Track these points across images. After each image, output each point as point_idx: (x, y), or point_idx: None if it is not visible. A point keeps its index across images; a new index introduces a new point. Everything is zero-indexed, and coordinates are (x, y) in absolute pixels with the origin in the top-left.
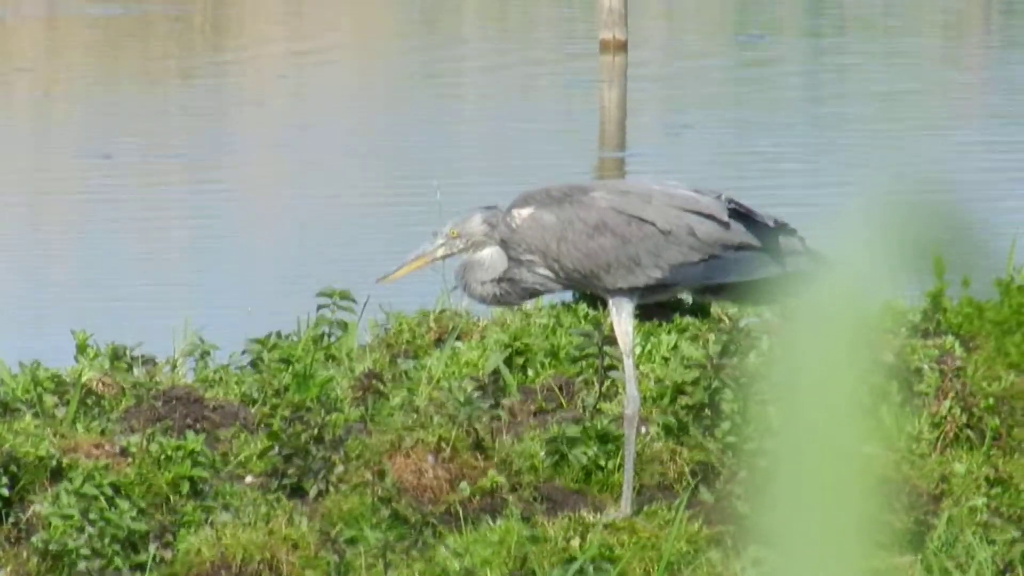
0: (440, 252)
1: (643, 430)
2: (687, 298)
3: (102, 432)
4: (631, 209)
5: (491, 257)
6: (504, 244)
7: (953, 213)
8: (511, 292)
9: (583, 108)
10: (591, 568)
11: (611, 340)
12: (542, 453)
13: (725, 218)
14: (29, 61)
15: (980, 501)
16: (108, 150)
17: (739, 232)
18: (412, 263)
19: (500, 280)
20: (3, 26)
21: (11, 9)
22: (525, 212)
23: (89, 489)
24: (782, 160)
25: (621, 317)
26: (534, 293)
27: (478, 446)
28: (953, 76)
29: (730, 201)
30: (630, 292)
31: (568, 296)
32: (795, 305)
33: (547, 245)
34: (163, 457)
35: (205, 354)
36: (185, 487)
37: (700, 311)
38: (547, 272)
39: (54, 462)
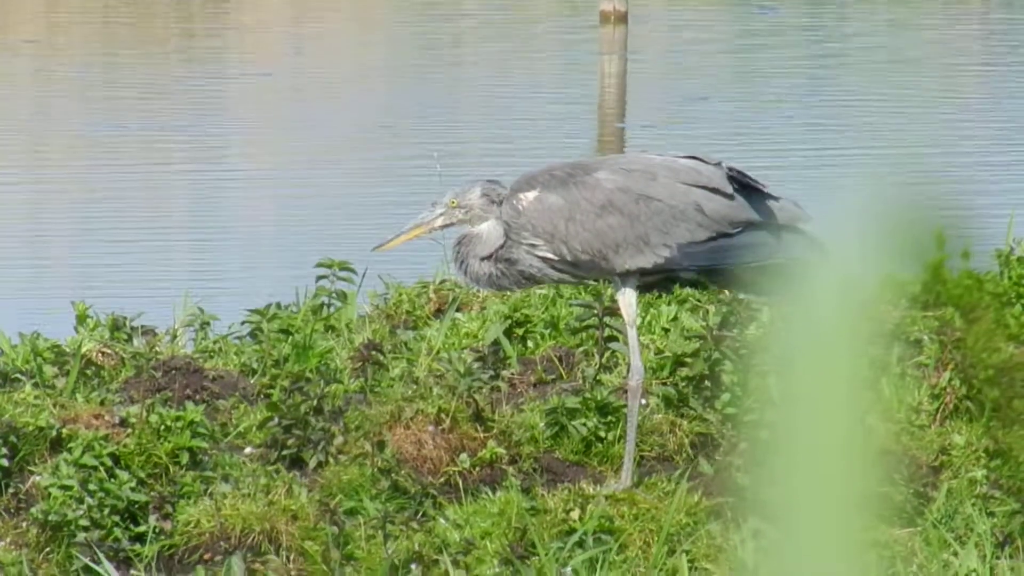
0: (439, 222)
1: (643, 402)
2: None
3: (102, 402)
4: (637, 187)
5: (488, 231)
6: (508, 227)
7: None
8: (507, 275)
9: (583, 80)
10: (591, 540)
11: (611, 311)
12: (542, 424)
13: (729, 189)
14: (32, 34)
15: (980, 473)
16: (110, 122)
17: (743, 207)
18: (410, 232)
19: (497, 260)
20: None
21: None
22: (531, 195)
23: (88, 460)
24: (786, 134)
25: (625, 288)
26: (531, 278)
27: (478, 417)
28: (957, 45)
29: (730, 169)
30: (636, 275)
31: None
32: (793, 289)
33: (555, 227)
34: (162, 428)
35: (205, 324)
36: (184, 458)
37: (699, 283)
38: (551, 256)
39: (54, 432)
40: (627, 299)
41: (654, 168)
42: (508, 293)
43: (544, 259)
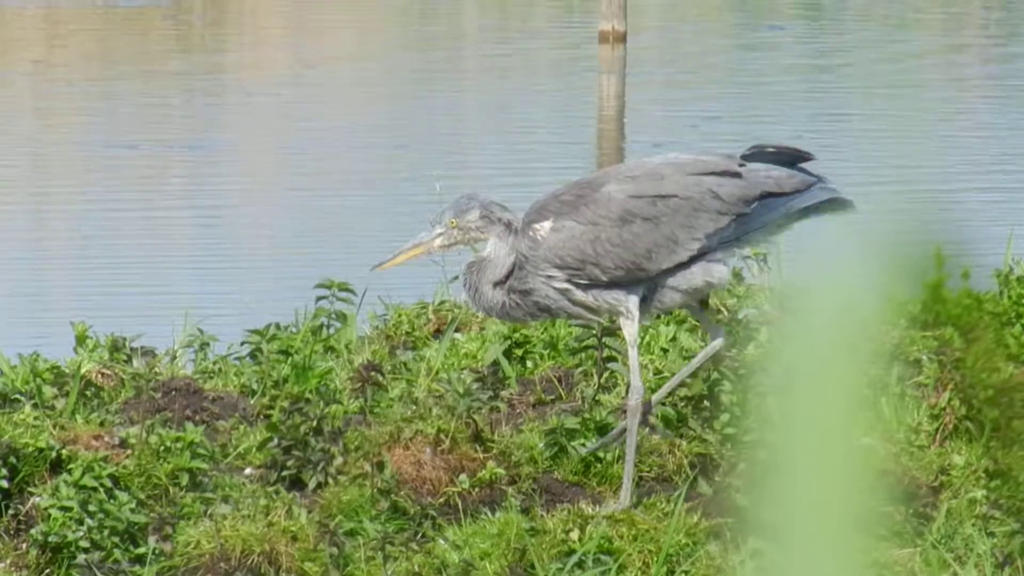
0: (438, 242)
1: (647, 432)
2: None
3: (101, 423)
4: (649, 190)
5: (495, 253)
6: (525, 259)
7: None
8: (521, 305)
9: (582, 100)
10: (590, 560)
11: (610, 331)
12: (541, 445)
13: (735, 168)
14: (32, 54)
15: (979, 493)
16: (110, 143)
17: (754, 182)
18: (408, 251)
19: (511, 290)
20: (5, 15)
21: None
22: (546, 225)
23: (88, 481)
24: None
25: (630, 308)
26: (546, 310)
27: (477, 438)
28: (957, 63)
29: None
30: (674, 271)
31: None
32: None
33: (583, 252)
34: (162, 448)
35: (204, 345)
36: (184, 479)
37: (699, 302)
38: (569, 286)
39: (53, 454)
40: (629, 329)
41: (658, 168)
42: (518, 324)
43: (562, 290)
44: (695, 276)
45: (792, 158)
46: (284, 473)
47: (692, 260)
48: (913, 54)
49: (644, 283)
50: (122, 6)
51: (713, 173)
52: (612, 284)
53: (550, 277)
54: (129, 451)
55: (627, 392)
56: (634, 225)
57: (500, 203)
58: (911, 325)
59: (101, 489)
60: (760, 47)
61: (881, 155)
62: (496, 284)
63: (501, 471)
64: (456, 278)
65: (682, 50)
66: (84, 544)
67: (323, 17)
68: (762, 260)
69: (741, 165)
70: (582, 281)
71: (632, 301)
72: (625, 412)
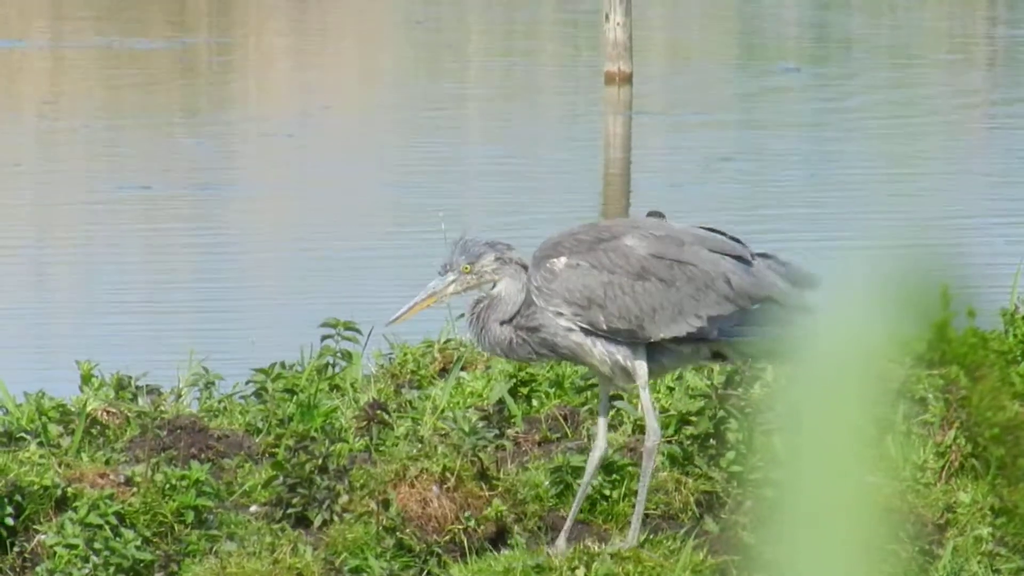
0: (451, 289)
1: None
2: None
3: (107, 462)
4: (669, 253)
5: (507, 292)
6: (538, 292)
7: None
8: (527, 342)
9: (588, 141)
10: None
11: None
12: (547, 483)
13: (750, 259)
14: (39, 94)
15: (985, 531)
16: (115, 182)
17: (762, 282)
18: (422, 302)
19: (517, 327)
20: (14, 55)
21: (25, 40)
22: (561, 260)
23: (94, 518)
24: (791, 200)
25: (638, 352)
26: (551, 348)
27: (483, 476)
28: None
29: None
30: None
31: None
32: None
33: (592, 292)
34: (168, 486)
35: (209, 384)
36: (190, 516)
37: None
38: (576, 327)
39: (59, 491)
40: (639, 361)
41: (680, 234)
42: (523, 363)
43: (567, 328)
44: (684, 355)
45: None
46: (289, 511)
47: (687, 339)
48: (922, 93)
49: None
50: (129, 48)
51: (729, 256)
52: (608, 335)
53: (559, 313)
54: (135, 489)
55: (634, 431)
56: (648, 282)
57: (505, 242)
58: (917, 364)
59: (107, 527)
60: (772, 88)
61: (890, 195)
62: (503, 322)
63: (506, 509)
64: (462, 316)
65: (689, 91)
66: None
67: (328, 61)
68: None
69: (753, 257)
70: (581, 323)
71: (637, 349)
72: (632, 451)
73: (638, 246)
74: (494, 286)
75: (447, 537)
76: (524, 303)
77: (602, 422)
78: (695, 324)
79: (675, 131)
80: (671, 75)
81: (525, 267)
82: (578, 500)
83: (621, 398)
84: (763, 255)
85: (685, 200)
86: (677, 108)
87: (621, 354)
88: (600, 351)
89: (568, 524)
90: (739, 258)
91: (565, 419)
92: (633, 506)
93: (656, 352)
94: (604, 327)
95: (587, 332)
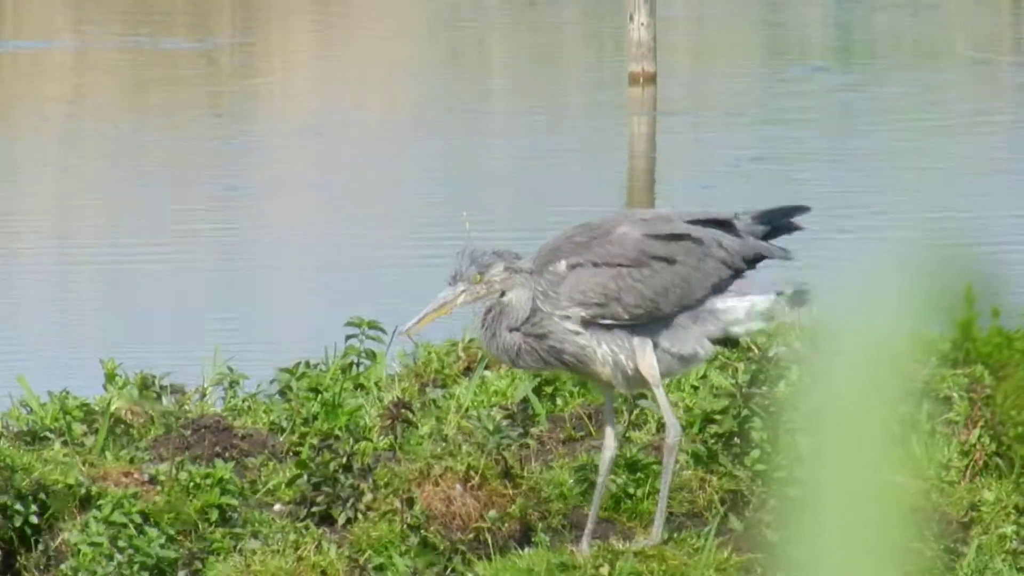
0: (461, 299)
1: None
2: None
3: (131, 460)
4: (662, 230)
5: (518, 300)
6: (545, 297)
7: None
8: (535, 350)
9: (612, 141)
10: None
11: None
12: (571, 481)
13: (734, 223)
14: (61, 93)
15: (1010, 529)
16: (139, 180)
17: (752, 241)
18: (435, 311)
19: (526, 335)
20: (40, 57)
21: (50, 41)
22: (562, 264)
23: (118, 517)
24: (817, 194)
25: (645, 351)
26: (558, 355)
27: (507, 474)
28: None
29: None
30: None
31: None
32: (825, 335)
33: (606, 288)
34: (192, 485)
35: (234, 383)
36: (214, 515)
37: (729, 340)
38: (584, 323)
39: (83, 490)
40: (647, 361)
41: (665, 213)
42: (529, 371)
43: (575, 332)
44: (706, 321)
45: (786, 213)
46: (314, 509)
47: (699, 304)
48: (951, 90)
49: (660, 322)
50: (154, 47)
51: (715, 222)
52: (628, 325)
53: (566, 317)
54: (159, 488)
55: (658, 430)
56: (651, 263)
57: (513, 252)
58: (942, 363)
59: (131, 525)
60: (799, 87)
61: (916, 193)
62: (513, 329)
63: (531, 507)
64: (482, 335)
65: (714, 91)
66: None
67: (351, 55)
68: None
69: (736, 218)
70: (605, 320)
71: (643, 341)
72: (656, 449)
73: (631, 232)
74: (503, 294)
75: (471, 535)
76: (532, 311)
77: (608, 424)
78: (701, 294)
79: (700, 131)
80: (696, 75)
81: (532, 274)
82: (595, 502)
83: (645, 397)
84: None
85: (711, 200)
86: (702, 108)
87: (624, 354)
88: (604, 351)
89: (589, 526)
90: (723, 224)
91: (589, 418)
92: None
93: (658, 338)
94: (626, 317)
95: (593, 331)
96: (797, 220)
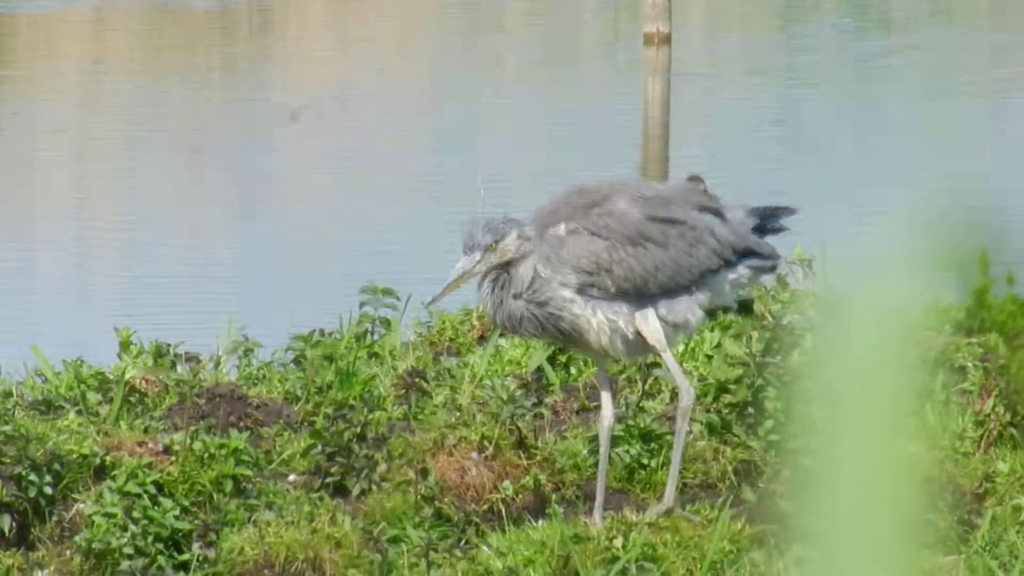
0: (479, 268)
1: (687, 429)
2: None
3: (145, 430)
4: (660, 212)
5: (525, 271)
6: (547, 262)
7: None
8: (536, 317)
9: (627, 102)
10: (634, 567)
11: None
12: (585, 451)
13: (726, 215)
14: (79, 57)
15: None
16: (154, 148)
17: (743, 234)
18: (455, 282)
19: (528, 301)
20: (58, 18)
21: (64, 1)
22: (562, 228)
23: (132, 487)
24: (831, 159)
25: (647, 318)
26: (556, 324)
27: (521, 444)
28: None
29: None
30: (667, 295)
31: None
32: (839, 304)
33: (599, 257)
34: (206, 455)
35: (248, 351)
36: (228, 485)
37: (743, 309)
38: (579, 291)
39: (97, 460)
40: (651, 326)
41: (666, 193)
42: (528, 339)
43: (570, 299)
44: (690, 306)
45: (775, 213)
46: (328, 480)
47: (684, 288)
48: (970, 51)
49: (646, 300)
50: (173, 8)
51: (708, 210)
52: (616, 297)
53: (564, 284)
54: (173, 458)
55: (671, 399)
56: (647, 242)
57: (520, 220)
58: (956, 332)
59: (145, 496)
60: (816, 48)
61: (934, 157)
62: (517, 296)
63: (545, 478)
64: (486, 303)
65: (730, 52)
66: (128, 550)
67: (368, 18)
68: (807, 266)
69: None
70: (592, 291)
71: (643, 307)
72: (670, 419)
73: (630, 209)
74: (510, 264)
75: (485, 506)
76: (532, 278)
77: (605, 394)
78: (688, 279)
79: (715, 92)
80: (711, 35)
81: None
82: (601, 473)
83: (658, 366)
84: (731, 208)
85: (727, 162)
86: (717, 69)
87: (623, 320)
88: (599, 320)
89: (599, 498)
90: (716, 212)
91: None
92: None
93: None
94: (612, 290)
95: (588, 300)
96: (784, 221)
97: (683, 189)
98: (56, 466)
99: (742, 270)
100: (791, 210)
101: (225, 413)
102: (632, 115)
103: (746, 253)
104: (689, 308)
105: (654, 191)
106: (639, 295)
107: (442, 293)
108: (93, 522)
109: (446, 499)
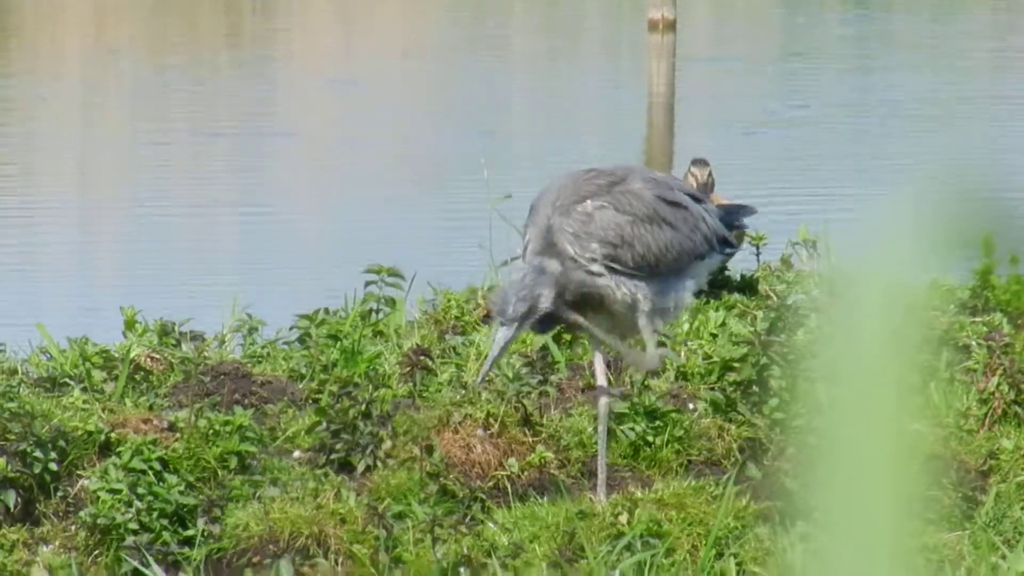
0: (519, 334)
1: (690, 406)
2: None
3: (150, 407)
4: (669, 196)
5: (547, 297)
6: (576, 238)
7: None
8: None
9: (631, 88)
10: (639, 544)
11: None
12: (590, 429)
13: (711, 205)
14: (81, 40)
15: None
16: (159, 129)
17: (716, 222)
18: (499, 356)
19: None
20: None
21: None
22: (589, 204)
23: (137, 464)
24: (834, 140)
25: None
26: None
27: (526, 422)
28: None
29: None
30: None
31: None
32: (843, 282)
33: (622, 231)
34: (211, 432)
35: (253, 330)
36: (233, 462)
37: (748, 288)
38: (605, 264)
39: (102, 437)
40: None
41: (667, 179)
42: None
43: (597, 273)
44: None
45: (738, 212)
46: (333, 456)
47: (682, 271)
48: (983, 33)
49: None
50: None
51: (694, 199)
52: (630, 273)
53: (593, 259)
54: (178, 435)
55: (676, 377)
56: (660, 221)
57: (542, 265)
58: (960, 310)
59: (150, 472)
60: (820, 32)
61: (940, 136)
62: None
63: (550, 455)
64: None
65: (734, 37)
66: (133, 526)
67: (375, 10)
68: (811, 246)
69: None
70: (612, 264)
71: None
72: (674, 397)
73: (643, 188)
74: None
75: (490, 483)
76: (557, 293)
77: (600, 372)
78: (686, 262)
79: (719, 78)
80: (716, 21)
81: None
82: (601, 450)
83: (665, 345)
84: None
85: (732, 147)
86: (722, 54)
87: (642, 293)
88: (624, 292)
89: (601, 476)
90: (700, 202)
91: (608, 366)
92: (676, 452)
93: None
94: (630, 264)
95: (611, 271)
96: (745, 220)
97: (674, 177)
98: (61, 443)
99: (718, 258)
100: (752, 210)
101: (230, 391)
102: (637, 101)
103: (723, 244)
104: (688, 290)
105: (659, 176)
106: (649, 275)
107: (488, 368)
108: (98, 498)
109: (451, 476)
